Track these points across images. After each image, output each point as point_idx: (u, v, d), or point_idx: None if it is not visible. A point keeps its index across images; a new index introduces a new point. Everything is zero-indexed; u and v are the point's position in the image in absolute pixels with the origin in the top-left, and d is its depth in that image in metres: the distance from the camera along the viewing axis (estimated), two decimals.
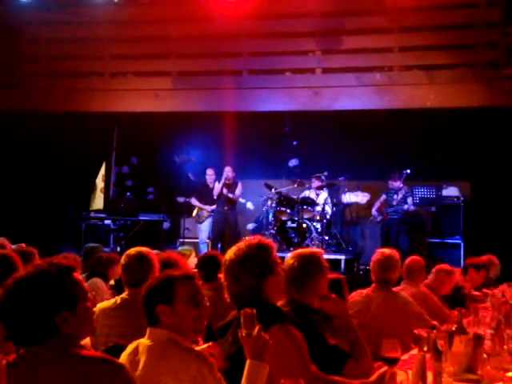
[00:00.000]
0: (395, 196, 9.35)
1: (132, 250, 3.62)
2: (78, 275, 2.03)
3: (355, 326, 2.97)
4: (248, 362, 2.26)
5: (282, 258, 2.93)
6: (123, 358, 2.38)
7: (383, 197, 9.62)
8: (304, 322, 2.73)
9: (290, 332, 2.51)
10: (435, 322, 4.04)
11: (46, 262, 1.97)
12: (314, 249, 3.45)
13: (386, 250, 4.30)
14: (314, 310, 2.95)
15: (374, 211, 9.62)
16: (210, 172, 9.78)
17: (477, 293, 5.27)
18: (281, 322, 2.52)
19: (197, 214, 9.86)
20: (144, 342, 2.36)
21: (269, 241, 2.76)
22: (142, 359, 2.30)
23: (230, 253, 2.68)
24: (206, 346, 2.58)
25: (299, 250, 3.24)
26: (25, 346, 1.89)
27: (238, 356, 2.42)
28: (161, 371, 2.24)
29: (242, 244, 2.71)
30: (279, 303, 2.79)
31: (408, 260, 4.86)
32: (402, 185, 9.33)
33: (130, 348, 2.41)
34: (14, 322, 1.89)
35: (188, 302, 2.37)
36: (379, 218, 9.54)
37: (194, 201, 9.88)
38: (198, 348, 2.53)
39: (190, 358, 2.24)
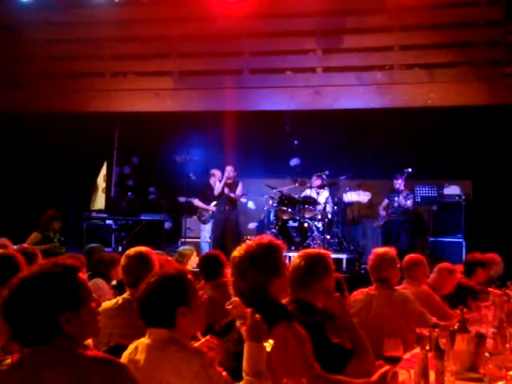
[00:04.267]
0: (396, 198, 9.36)
1: (131, 250, 3.61)
2: (83, 275, 2.03)
3: (357, 325, 2.97)
4: (247, 344, 2.29)
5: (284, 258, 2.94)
6: (124, 358, 2.40)
7: (385, 201, 9.63)
8: (308, 321, 2.73)
9: (296, 330, 2.52)
10: (435, 319, 4.05)
11: (51, 262, 1.97)
12: (322, 250, 3.44)
13: (380, 249, 4.31)
14: (318, 309, 2.95)
15: (381, 215, 9.64)
16: (217, 173, 9.73)
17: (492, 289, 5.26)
18: (287, 320, 2.53)
19: (200, 214, 9.87)
20: (144, 341, 2.39)
21: (279, 242, 2.78)
22: (142, 358, 2.33)
23: (240, 249, 2.70)
24: (204, 339, 2.60)
25: (307, 250, 3.25)
26: (29, 346, 1.90)
27: (243, 354, 2.43)
28: (163, 369, 2.26)
29: (252, 242, 2.73)
30: (283, 302, 2.80)
31: (405, 259, 4.85)
32: (403, 187, 9.33)
33: (130, 348, 2.44)
34: (19, 322, 1.90)
35: (198, 299, 2.42)
36: (382, 223, 9.59)
37: (197, 201, 9.88)
38: (197, 343, 2.56)
39: (190, 354, 2.27)
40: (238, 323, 2.40)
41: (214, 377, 2.23)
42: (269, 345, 2.33)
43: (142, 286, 2.47)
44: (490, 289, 5.24)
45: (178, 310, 2.34)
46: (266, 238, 2.77)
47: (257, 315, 2.33)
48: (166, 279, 2.42)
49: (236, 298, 2.50)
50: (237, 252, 2.71)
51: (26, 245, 5.59)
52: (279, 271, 2.67)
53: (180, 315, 2.34)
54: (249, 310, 2.36)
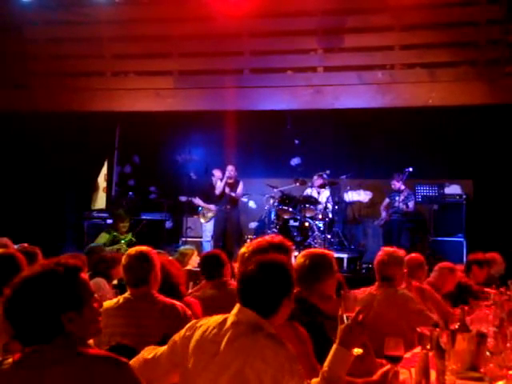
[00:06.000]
0: (397, 197, 9.36)
1: (132, 250, 3.61)
2: (85, 275, 2.03)
3: None
4: (334, 346, 2.28)
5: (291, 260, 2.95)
6: (210, 322, 2.35)
7: (386, 200, 9.64)
8: (309, 321, 2.74)
9: (297, 330, 2.53)
10: (435, 316, 4.05)
11: (54, 262, 1.97)
12: (326, 250, 3.45)
13: (389, 248, 4.33)
14: (319, 309, 2.96)
15: (382, 215, 9.66)
16: (217, 173, 9.74)
17: (488, 289, 5.27)
18: (288, 320, 2.53)
19: (202, 214, 9.87)
20: (231, 318, 2.33)
21: (290, 243, 2.78)
22: (228, 334, 2.28)
23: (250, 246, 2.71)
24: None
25: (311, 250, 3.26)
26: (31, 345, 1.90)
27: None
28: (250, 352, 2.21)
29: (264, 240, 2.73)
30: None
31: (407, 258, 4.86)
32: (403, 186, 9.34)
33: (219, 318, 2.37)
34: (21, 321, 1.90)
35: None
36: (382, 222, 9.60)
37: (197, 200, 9.88)
38: None
39: (279, 344, 2.22)
40: (342, 313, 2.37)
41: (296, 372, 2.19)
42: (356, 352, 2.31)
43: (251, 266, 2.36)
44: (486, 289, 5.26)
45: (283, 300, 2.31)
46: (278, 237, 2.78)
47: (360, 318, 2.29)
48: (282, 266, 2.36)
49: (354, 292, 2.47)
50: (245, 248, 2.72)
51: (26, 244, 5.55)
52: None
53: (283, 305, 2.31)
54: (355, 310, 2.33)
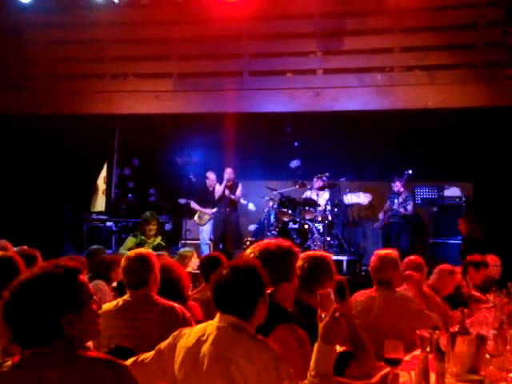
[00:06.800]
0: (396, 200, 9.37)
1: (132, 252, 3.62)
2: (84, 277, 2.03)
3: (358, 327, 2.97)
4: (317, 344, 2.29)
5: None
6: (194, 329, 2.42)
7: (387, 203, 9.64)
8: (308, 323, 2.74)
9: (296, 332, 2.53)
10: (434, 315, 4.05)
11: (53, 264, 1.97)
12: (325, 252, 3.46)
13: (382, 251, 4.33)
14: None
15: (380, 218, 9.65)
16: (211, 176, 9.74)
17: (477, 293, 5.28)
18: (287, 322, 2.54)
19: (198, 217, 9.84)
20: (213, 323, 2.39)
21: (297, 249, 2.79)
22: (212, 337, 2.33)
23: (257, 247, 2.71)
24: None
25: (310, 252, 3.27)
26: (30, 348, 1.89)
27: None
28: (235, 351, 2.26)
29: (272, 242, 2.74)
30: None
31: (405, 260, 4.86)
32: (402, 189, 9.34)
33: (202, 325, 2.44)
34: (20, 324, 1.89)
35: None
36: (381, 225, 9.59)
37: (193, 204, 9.86)
38: None
39: (262, 345, 2.28)
40: (320, 313, 2.39)
41: (282, 370, 2.23)
42: (338, 350, 2.35)
43: (222, 273, 2.42)
44: (474, 292, 5.27)
45: (259, 300, 2.36)
46: (287, 242, 2.81)
47: (337, 314, 2.31)
48: (249, 269, 2.42)
49: (330, 290, 2.51)
50: (253, 249, 2.72)
51: (26, 247, 5.54)
52: (290, 277, 2.70)
53: (259, 305, 2.36)
54: (332, 307, 2.36)
